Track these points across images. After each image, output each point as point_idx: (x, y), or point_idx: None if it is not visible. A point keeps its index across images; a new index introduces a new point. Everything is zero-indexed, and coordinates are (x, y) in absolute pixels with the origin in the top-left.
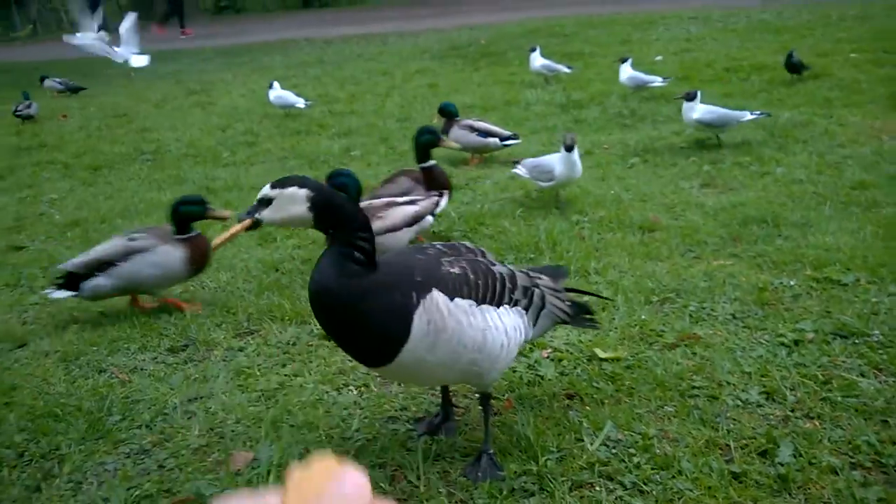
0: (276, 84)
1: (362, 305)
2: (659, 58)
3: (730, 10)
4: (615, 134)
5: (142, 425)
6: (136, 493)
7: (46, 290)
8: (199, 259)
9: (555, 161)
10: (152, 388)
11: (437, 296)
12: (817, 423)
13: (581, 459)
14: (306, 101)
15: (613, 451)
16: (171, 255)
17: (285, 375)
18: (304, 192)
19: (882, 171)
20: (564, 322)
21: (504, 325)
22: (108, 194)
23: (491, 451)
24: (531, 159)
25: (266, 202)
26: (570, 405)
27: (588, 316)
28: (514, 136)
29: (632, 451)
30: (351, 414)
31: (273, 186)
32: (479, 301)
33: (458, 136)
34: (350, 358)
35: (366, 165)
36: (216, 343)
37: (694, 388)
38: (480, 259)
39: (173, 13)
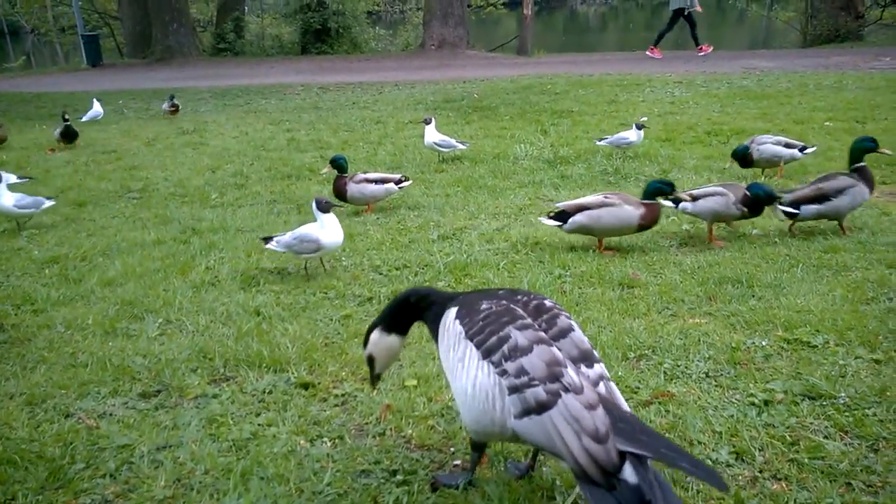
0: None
1: None
2: (644, 118)
3: (713, 75)
4: (600, 190)
5: (106, 474)
6: None
7: (541, 218)
8: (650, 220)
9: None
10: (120, 435)
11: (452, 311)
12: (784, 485)
13: None
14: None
15: None
16: (632, 213)
17: (259, 425)
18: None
19: (852, 237)
20: (576, 473)
21: (475, 376)
22: (91, 231)
23: (468, 474)
24: None
25: None
26: (542, 461)
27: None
28: (405, 178)
29: None
30: (323, 467)
31: None
32: (471, 337)
33: (356, 190)
34: (326, 408)
35: None
36: (190, 389)
37: None
38: (521, 315)
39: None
